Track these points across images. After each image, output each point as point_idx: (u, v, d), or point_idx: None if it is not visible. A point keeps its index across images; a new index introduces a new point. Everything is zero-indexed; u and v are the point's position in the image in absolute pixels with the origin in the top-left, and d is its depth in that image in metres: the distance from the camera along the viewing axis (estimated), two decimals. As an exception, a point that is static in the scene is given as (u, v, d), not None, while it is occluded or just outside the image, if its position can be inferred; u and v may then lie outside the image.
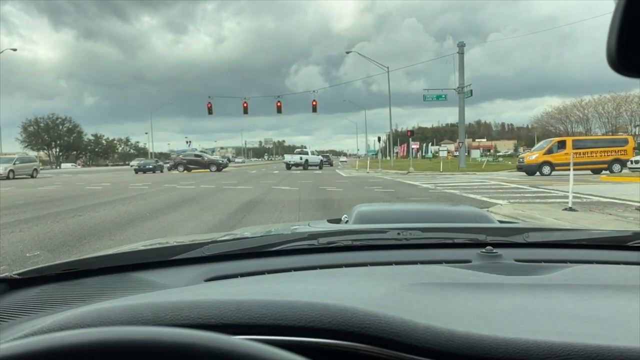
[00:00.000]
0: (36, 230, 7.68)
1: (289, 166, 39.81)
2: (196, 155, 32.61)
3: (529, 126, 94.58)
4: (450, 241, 1.40)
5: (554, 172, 23.84)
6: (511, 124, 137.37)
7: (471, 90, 34.24)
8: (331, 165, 55.42)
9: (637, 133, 64.93)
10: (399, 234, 1.41)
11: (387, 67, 38.96)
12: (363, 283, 0.94)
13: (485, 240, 1.37)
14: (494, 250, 1.23)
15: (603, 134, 66.01)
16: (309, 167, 39.68)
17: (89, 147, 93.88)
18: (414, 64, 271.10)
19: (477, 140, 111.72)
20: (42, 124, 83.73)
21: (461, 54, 34.11)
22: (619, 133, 68.27)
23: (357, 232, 1.52)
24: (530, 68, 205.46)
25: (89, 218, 9.20)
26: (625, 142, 25.81)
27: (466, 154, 42.78)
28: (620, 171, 23.49)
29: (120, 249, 1.46)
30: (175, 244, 1.41)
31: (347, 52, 48.60)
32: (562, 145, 25.08)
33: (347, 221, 1.97)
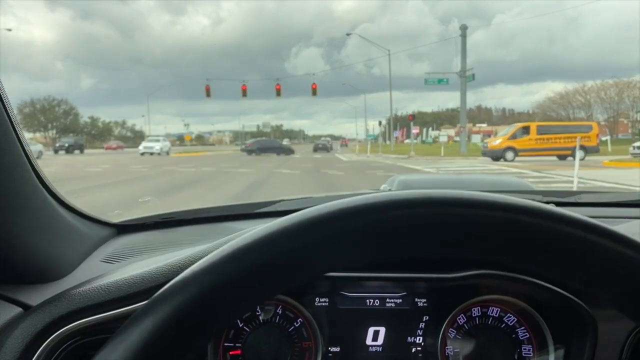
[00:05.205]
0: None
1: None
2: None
3: (530, 112, 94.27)
4: None
5: (517, 158, 23.43)
6: (512, 109, 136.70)
7: (473, 75, 33.95)
8: (347, 147, 67.97)
9: (639, 119, 64.88)
10: None
11: (388, 50, 38.70)
12: None
13: (542, 200, 1.33)
14: None
15: (605, 120, 65.98)
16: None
17: (85, 130, 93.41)
18: (416, 47, 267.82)
19: (477, 125, 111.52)
20: (38, 106, 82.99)
21: (463, 37, 33.74)
22: (621, 119, 68.31)
23: None
24: (534, 52, 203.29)
25: (90, 199, 9.10)
26: (590, 128, 25.12)
27: (467, 139, 42.69)
28: (584, 158, 22.33)
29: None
30: (251, 202, 1.54)
31: (348, 34, 48.17)
32: (526, 130, 24.56)
33: (389, 190, 1.91)
